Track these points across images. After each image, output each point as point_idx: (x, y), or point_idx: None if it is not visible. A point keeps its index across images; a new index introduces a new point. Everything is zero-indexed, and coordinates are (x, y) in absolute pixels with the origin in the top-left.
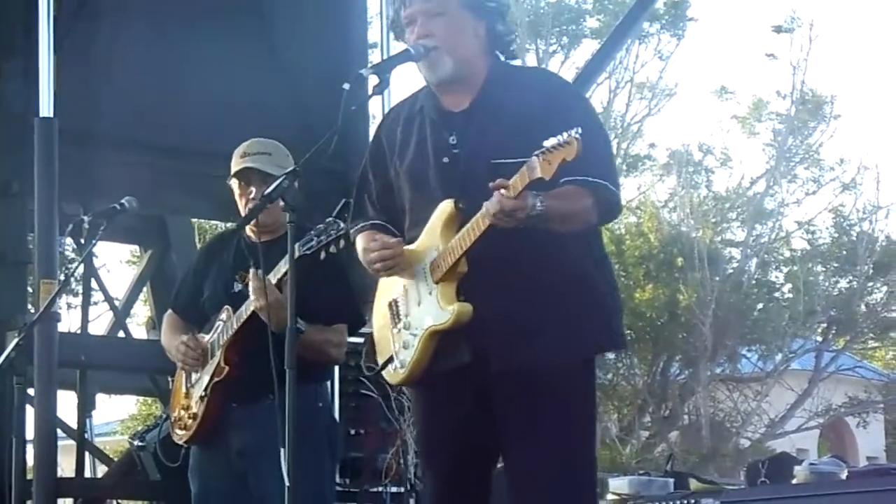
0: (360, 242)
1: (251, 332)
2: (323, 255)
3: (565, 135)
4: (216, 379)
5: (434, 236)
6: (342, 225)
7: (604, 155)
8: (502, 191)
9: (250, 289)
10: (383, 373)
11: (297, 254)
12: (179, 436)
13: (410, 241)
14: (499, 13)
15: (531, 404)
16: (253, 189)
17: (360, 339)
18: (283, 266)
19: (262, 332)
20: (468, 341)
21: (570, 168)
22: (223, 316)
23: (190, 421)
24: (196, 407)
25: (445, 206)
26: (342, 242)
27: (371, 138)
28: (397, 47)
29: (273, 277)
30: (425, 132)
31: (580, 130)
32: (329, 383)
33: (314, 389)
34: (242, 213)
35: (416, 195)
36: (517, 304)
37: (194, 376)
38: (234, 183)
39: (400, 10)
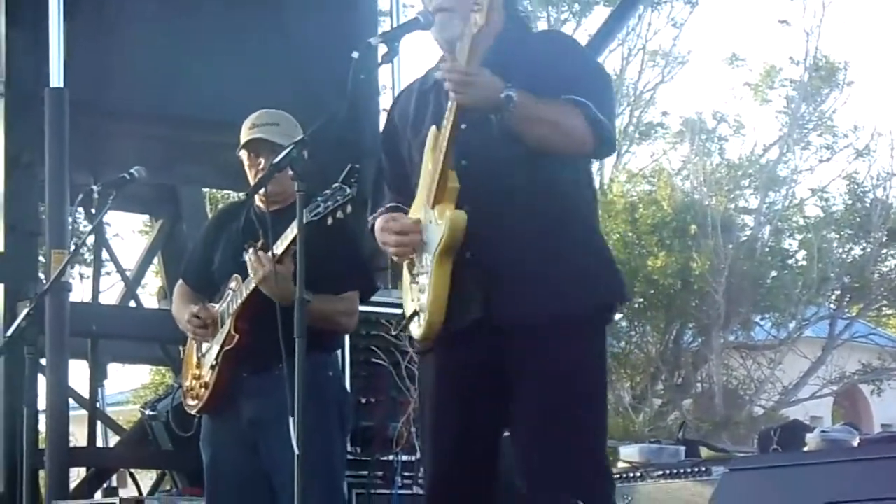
0: (377, 224)
1: (260, 300)
2: (330, 220)
3: None
4: (227, 347)
5: (425, 168)
6: (349, 190)
7: (602, 92)
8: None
9: (248, 265)
10: (410, 329)
11: (305, 219)
12: (191, 405)
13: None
14: None
15: (541, 366)
16: (262, 160)
17: (373, 308)
18: (289, 234)
19: (272, 300)
20: (478, 294)
21: (565, 90)
22: (232, 285)
23: (202, 390)
24: (207, 376)
25: (430, 133)
26: (349, 208)
27: (381, 111)
28: (407, 15)
29: (280, 246)
30: (441, 101)
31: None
32: (339, 352)
33: (324, 359)
34: (252, 184)
35: (420, 160)
36: (520, 252)
37: (205, 345)
38: (243, 154)
39: None
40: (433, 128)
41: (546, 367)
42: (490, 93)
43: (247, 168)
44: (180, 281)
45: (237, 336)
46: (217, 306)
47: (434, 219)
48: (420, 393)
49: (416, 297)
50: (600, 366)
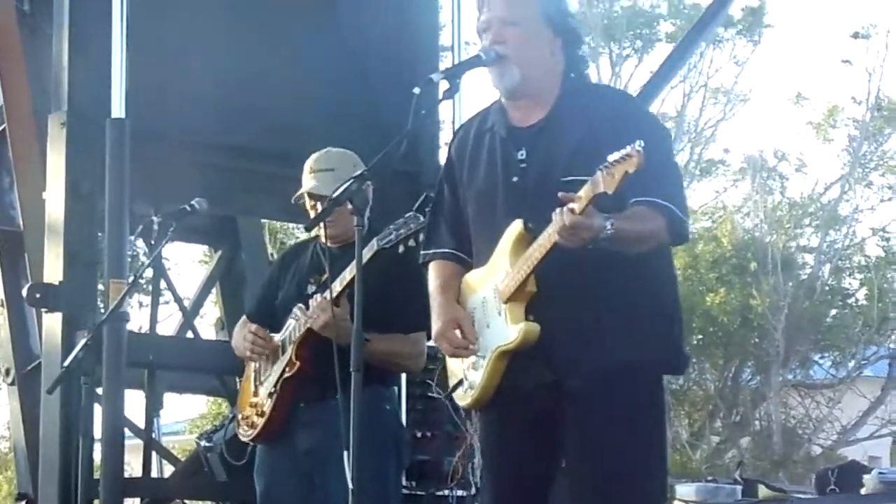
0: (431, 276)
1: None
2: (402, 248)
3: (628, 148)
4: (286, 375)
5: (503, 257)
6: (422, 218)
7: (673, 178)
8: (568, 206)
9: (310, 305)
10: (454, 395)
11: (375, 247)
12: (247, 434)
13: (478, 264)
14: (578, 35)
15: (599, 418)
16: (318, 205)
17: (430, 343)
18: (346, 275)
19: None
20: (542, 361)
21: (639, 188)
22: (296, 313)
23: (258, 418)
24: (265, 404)
25: (515, 227)
26: (421, 236)
27: (442, 145)
28: (469, 51)
29: (338, 287)
30: (495, 149)
31: (642, 143)
32: (396, 387)
33: (381, 392)
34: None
35: (483, 215)
36: (586, 320)
37: (263, 373)
38: (305, 194)
39: (479, 10)
40: (519, 224)
41: (604, 418)
42: (593, 236)
43: (308, 209)
44: (243, 317)
45: (298, 363)
46: (278, 336)
47: (506, 316)
48: (480, 441)
49: (468, 367)
50: (657, 416)
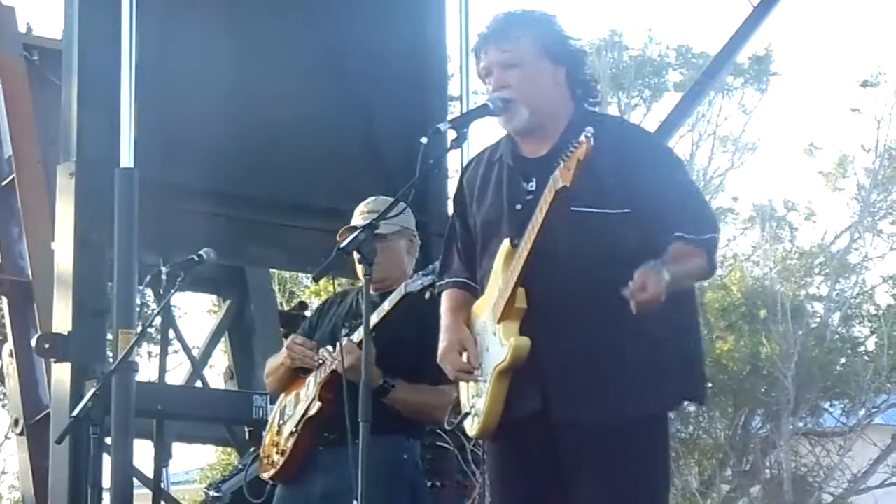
0: (443, 307)
1: None
2: (428, 294)
3: (581, 137)
4: (309, 414)
5: (496, 278)
6: None
7: (698, 204)
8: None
9: (337, 348)
10: (464, 425)
11: (403, 292)
12: (266, 472)
13: (483, 291)
14: (580, 58)
15: (601, 457)
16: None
17: None
18: (374, 318)
19: None
20: (537, 386)
21: (675, 223)
22: (325, 354)
23: (278, 457)
24: (285, 443)
25: (503, 247)
26: None
27: (451, 196)
28: (477, 101)
29: (361, 333)
30: (502, 179)
31: (591, 129)
32: (419, 440)
33: (400, 442)
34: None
35: (487, 243)
36: (586, 349)
37: (287, 412)
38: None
39: (477, 59)
40: (507, 243)
41: (603, 464)
42: (663, 290)
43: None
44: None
45: (321, 404)
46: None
47: (499, 336)
48: (488, 475)
49: (472, 396)
50: (663, 455)
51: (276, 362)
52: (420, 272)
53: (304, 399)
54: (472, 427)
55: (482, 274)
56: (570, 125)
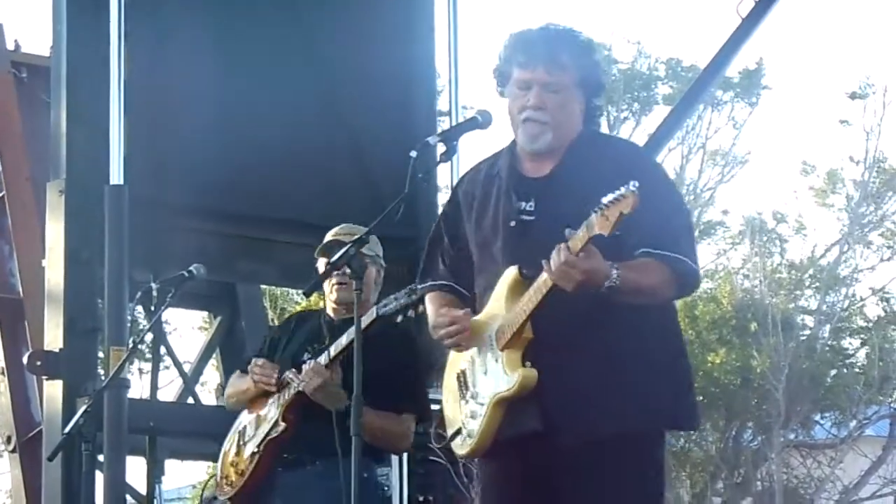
0: (429, 307)
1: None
2: (400, 318)
3: (622, 189)
4: (272, 436)
5: (499, 303)
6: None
7: (680, 227)
8: (563, 244)
9: (303, 370)
10: (452, 445)
11: (374, 315)
12: (224, 493)
13: (479, 308)
14: (602, 88)
15: (597, 477)
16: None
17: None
18: (342, 341)
19: None
20: (537, 409)
21: (647, 238)
22: (289, 375)
23: (237, 477)
24: (245, 464)
25: (510, 273)
26: (421, 308)
27: (440, 210)
28: (466, 115)
29: (334, 349)
30: (500, 195)
31: (636, 184)
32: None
33: (367, 463)
34: (328, 296)
35: (484, 258)
36: (586, 372)
37: (248, 434)
38: (320, 263)
39: (512, 61)
40: (515, 272)
41: (598, 482)
42: (596, 283)
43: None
44: (238, 371)
45: (284, 425)
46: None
47: (503, 363)
48: (479, 491)
49: (466, 416)
50: (659, 474)
51: (242, 385)
52: (392, 296)
53: (267, 420)
54: (462, 446)
55: (479, 291)
56: (574, 145)
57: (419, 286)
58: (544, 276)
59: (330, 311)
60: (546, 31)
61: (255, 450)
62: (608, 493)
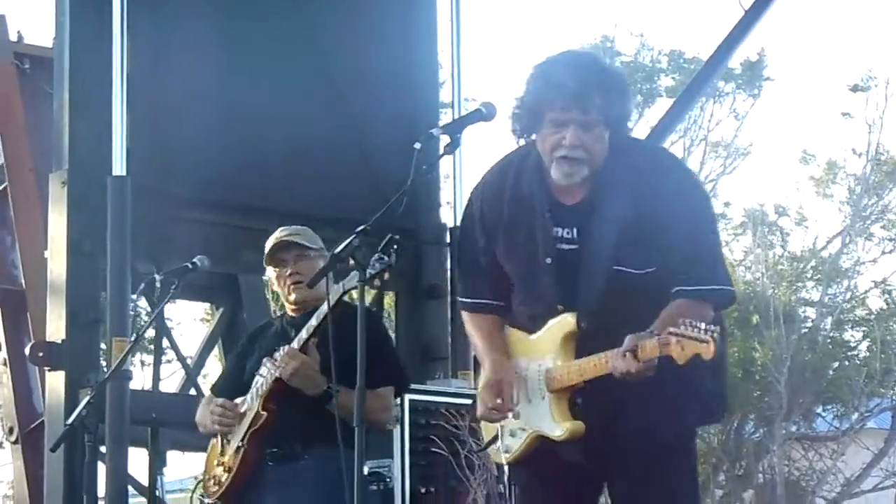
0: (471, 323)
1: (289, 385)
2: (365, 289)
3: (703, 328)
4: (254, 428)
5: (553, 344)
6: (386, 259)
7: (709, 246)
8: (631, 354)
9: (278, 357)
10: (490, 450)
11: (341, 290)
12: (212, 492)
13: (520, 321)
14: (630, 113)
15: (635, 485)
16: (288, 269)
17: (432, 398)
18: (312, 323)
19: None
20: (580, 444)
21: (680, 277)
22: (262, 371)
23: (224, 475)
24: (231, 460)
25: (568, 321)
26: (386, 275)
27: (443, 203)
28: (469, 107)
29: (305, 332)
30: (535, 223)
31: (717, 331)
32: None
33: (347, 455)
34: (286, 300)
35: (524, 285)
36: (625, 389)
37: (231, 432)
38: (270, 271)
39: (543, 101)
40: (571, 320)
41: (640, 477)
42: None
43: (275, 285)
44: (207, 393)
45: (265, 415)
46: (242, 399)
47: (551, 408)
48: (519, 491)
49: (506, 430)
50: (692, 471)
51: (205, 422)
52: (353, 272)
53: (248, 414)
54: (497, 455)
55: (521, 310)
56: (604, 170)
57: (462, 299)
58: (606, 360)
59: (290, 312)
60: (575, 68)
61: (240, 444)
62: (653, 487)
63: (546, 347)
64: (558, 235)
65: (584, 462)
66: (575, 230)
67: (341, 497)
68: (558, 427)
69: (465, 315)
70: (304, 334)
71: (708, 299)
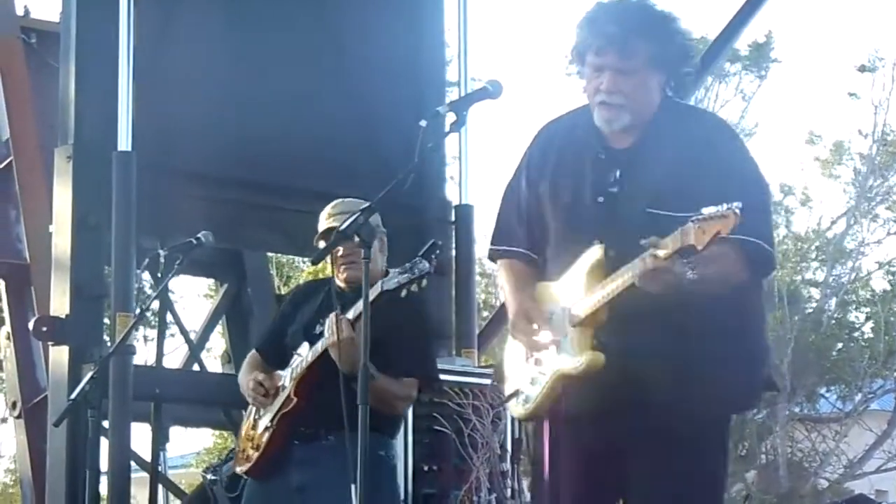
0: (506, 280)
1: (324, 369)
2: (404, 292)
3: (724, 206)
4: (284, 410)
5: (578, 280)
6: (427, 265)
7: (760, 209)
8: (651, 252)
9: (325, 326)
10: (510, 404)
11: (379, 290)
12: (242, 467)
13: (552, 272)
14: (687, 59)
15: (662, 457)
16: (340, 249)
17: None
18: (360, 304)
19: (335, 370)
20: (598, 392)
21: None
22: (300, 350)
23: (252, 452)
24: (259, 438)
25: (594, 252)
26: (424, 282)
27: (448, 179)
28: (475, 85)
29: (351, 314)
30: (584, 167)
31: (740, 206)
32: (393, 439)
33: (376, 438)
34: (335, 273)
35: (565, 227)
36: (656, 355)
37: (264, 408)
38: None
39: (585, 43)
40: (600, 252)
41: (668, 457)
42: (675, 283)
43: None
44: (253, 350)
45: (296, 399)
46: (282, 373)
47: (572, 341)
48: (534, 460)
49: (526, 380)
50: (723, 456)
51: (244, 388)
52: (397, 270)
53: (281, 394)
54: (517, 409)
55: (555, 258)
56: (654, 119)
57: (492, 247)
58: (628, 272)
59: (339, 283)
60: (615, 12)
61: (269, 424)
62: (675, 475)
63: (572, 285)
64: (608, 179)
65: (602, 411)
66: (618, 172)
67: (368, 478)
68: (576, 359)
69: (498, 264)
70: (351, 314)
71: (744, 249)
